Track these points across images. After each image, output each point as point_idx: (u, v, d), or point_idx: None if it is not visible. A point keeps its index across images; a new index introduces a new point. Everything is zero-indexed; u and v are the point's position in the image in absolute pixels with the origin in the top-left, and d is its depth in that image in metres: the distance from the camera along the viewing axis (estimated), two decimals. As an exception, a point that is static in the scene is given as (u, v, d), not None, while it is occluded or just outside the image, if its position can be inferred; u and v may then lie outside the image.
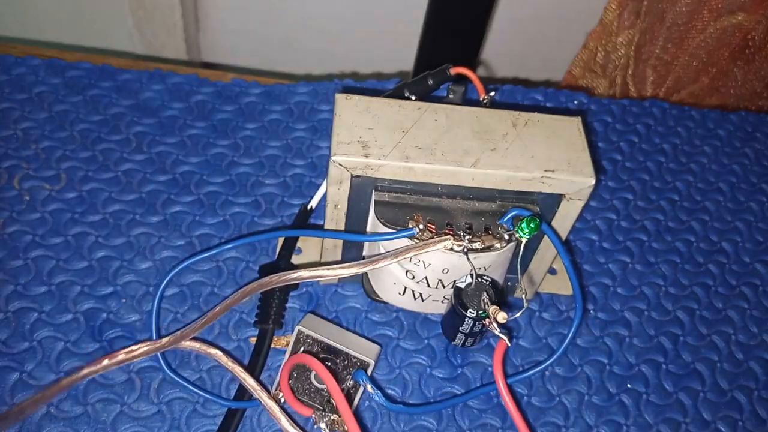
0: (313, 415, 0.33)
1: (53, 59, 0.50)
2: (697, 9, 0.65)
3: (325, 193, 0.36)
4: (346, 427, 0.32)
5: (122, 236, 0.42)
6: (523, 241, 0.33)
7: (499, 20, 0.80)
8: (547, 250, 0.38)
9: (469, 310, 0.34)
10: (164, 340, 0.36)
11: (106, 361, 0.35)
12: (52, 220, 0.42)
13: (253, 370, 0.36)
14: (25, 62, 0.49)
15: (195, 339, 0.37)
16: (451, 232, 0.33)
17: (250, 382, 0.35)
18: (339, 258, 0.40)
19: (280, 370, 0.34)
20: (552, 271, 0.43)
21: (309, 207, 0.43)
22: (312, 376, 0.35)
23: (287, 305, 0.40)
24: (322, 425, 0.33)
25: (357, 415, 0.37)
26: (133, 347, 0.36)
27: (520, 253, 0.34)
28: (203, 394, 0.36)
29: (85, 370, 0.35)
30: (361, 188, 0.35)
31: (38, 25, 0.79)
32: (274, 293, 0.39)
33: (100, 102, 0.48)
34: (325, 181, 0.43)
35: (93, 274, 0.40)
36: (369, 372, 0.35)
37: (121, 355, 0.36)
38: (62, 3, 0.77)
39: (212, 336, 0.39)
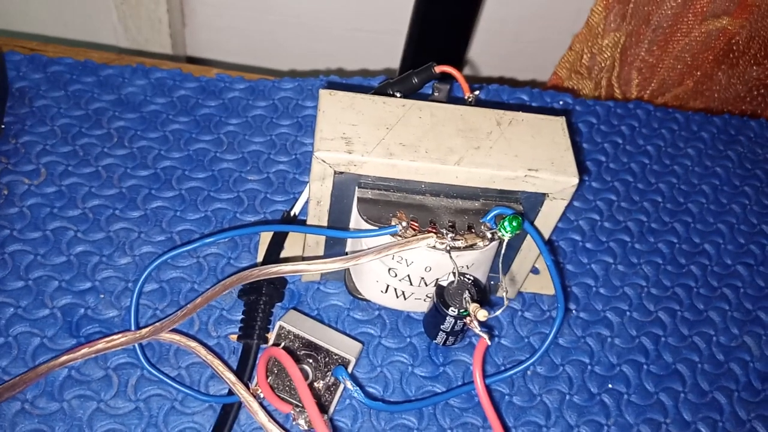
0: (292, 412, 0.32)
1: (35, 54, 0.49)
2: (682, 12, 0.65)
3: (308, 197, 0.35)
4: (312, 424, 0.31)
5: (101, 231, 0.41)
6: (506, 239, 0.33)
7: (485, 20, 0.80)
8: (529, 250, 0.38)
9: (451, 308, 0.33)
10: (144, 330, 0.36)
11: (84, 350, 0.35)
12: (30, 215, 0.41)
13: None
14: (7, 57, 0.49)
15: (175, 331, 0.37)
16: (434, 230, 0.33)
17: (228, 376, 0.34)
18: (321, 255, 0.39)
19: (257, 365, 0.34)
20: (535, 271, 0.43)
21: (293, 214, 0.43)
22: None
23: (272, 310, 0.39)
24: (301, 422, 0.32)
25: (337, 412, 0.37)
26: (113, 336, 0.36)
27: (503, 251, 0.34)
28: (182, 389, 0.36)
29: (64, 357, 0.35)
30: (344, 185, 0.34)
31: (20, 17, 0.78)
32: (259, 305, 0.38)
33: (82, 97, 0.48)
34: (307, 186, 0.43)
35: (71, 270, 0.39)
36: (349, 369, 0.35)
37: (101, 344, 0.35)
38: (45, -5, 0.76)
39: (192, 333, 0.38)
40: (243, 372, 0.36)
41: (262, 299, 0.38)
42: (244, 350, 0.37)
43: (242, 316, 0.38)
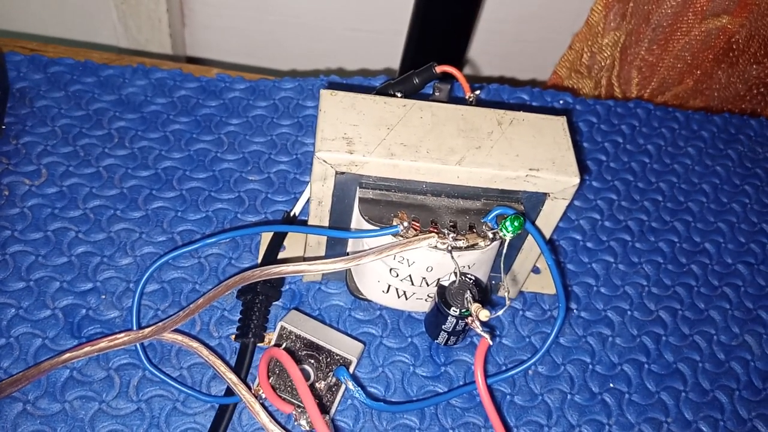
0: (294, 412, 0.32)
1: (35, 55, 0.49)
2: (682, 11, 0.65)
3: (309, 198, 0.35)
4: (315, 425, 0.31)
5: (103, 232, 0.41)
6: (507, 239, 0.33)
7: (485, 20, 0.80)
8: (530, 249, 0.38)
9: (452, 308, 0.33)
10: (146, 330, 0.36)
11: (87, 348, 0.35)
12: (31, 216, 0.41)
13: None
14: (7, 58, 0.49)
15: (177, 332, 0.37)
16: (435, 230, 0.33)
17: (230, 377, 0.34)
18: (323, 256, 0.39)
19: (258, 366, 0.34)
20: (536, 270, 0.43)
21: (293, 214, 0.43)
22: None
23: (269, 308, 0.39)
24: (303, 422, 0.32)
25: (338, 413, 0.37)
26: (116, 335, 0.36)
27: (504, 251, 0.34)
28: (184, 389, 0.36)
29: (66, 355, 0.35)
30: (345, 185, 0.34)
31: (20, 17, 0.78)
32: (255, 304, 0.38)
33: (83, 97, 0.48)
34: (308, 187, 0.43)
35: (72, 270, 0.39)
36: (351, 370, 0.35)
37: (103, 343, 0.35)
38: (45, -5, 0.76)
39: (194, 333, 0.38)
40: (240, 371, 0.36)
41: (258, 298, 0.38)
42: (241, 349, 0.37)
43: (240, 316, 0.38)
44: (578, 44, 0.73)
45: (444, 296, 0.34)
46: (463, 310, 0.33)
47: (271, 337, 0.36)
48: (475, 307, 0.33)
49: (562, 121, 0.37)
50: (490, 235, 0.34)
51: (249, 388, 0.35)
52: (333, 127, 0.34)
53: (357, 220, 0.35)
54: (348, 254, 0.38)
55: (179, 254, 0.39)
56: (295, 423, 0.33)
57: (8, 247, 0.40)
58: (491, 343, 0.33)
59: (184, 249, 0.39)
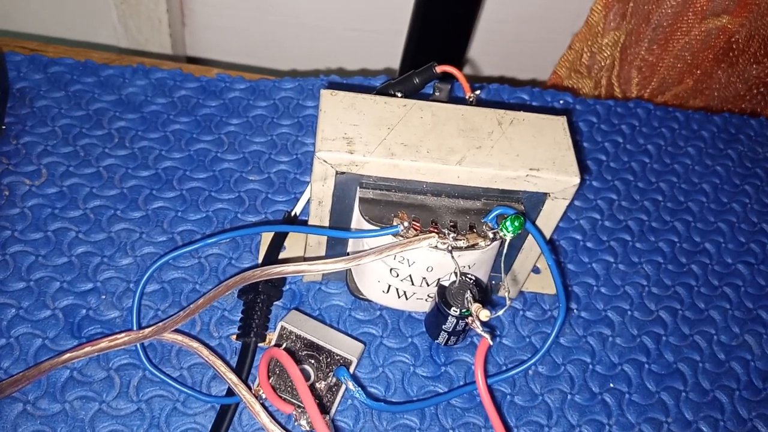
0: (294, 413, 0.32)
1: (35, 55, 0.49)
2: (682, 11, 0.65)
3: (309, 198, 0.35)
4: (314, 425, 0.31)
5: (103, 232, 0.41)
6: (508, 239, 0.33)
7: (486, 20, 0.80)
8: (531, 249, 0.38)
9: (453, 308, 0.33)
10: (146, 330, 0.36)
11: (87, 348, 0.35)
12: (31, 216, 0.41)
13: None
14: (7, 58, 0.49)
15: (177, 332, 0.37)
16: (435, 230, 0.33)
17: (230, 377, 0.34)
18: (323, 256, 0.39)
19: (259, 366, 0.34)
20: (536, 270, 0.43)
21: (294, 214, 0.43)
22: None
23: (270, 308, 0.39)
24: (303, 422, 0.32)
25: (339, 413, 0.37)
26: (116, 335, 0.36)
27: (504, 251, 0.34)
28: (184, 390, 0.36)
29: (67, 355, 0.35)
30: (345, 185, 0.34)
31: (20, 17, 0.78)
32: (257, 303, 0.38)
33: (83, 97, 0.48)
34: (309, 187, 0.43)
35: (73, 270, 0.39)
36: (351, 370, 0.35)
37: (104, 343, 0.35)
38: (45, -5, 0.76)
39: (194, 333, 0.38)
40: (241, 371, 0.36)
41: (259, 298, 0.38)
42: (242, 349, 0.37)
43: (241, 316, 0.38)
44: (578, 44, 0.73)
45: (444, 296, 0.34)
46: (463, 310, 0.33)
47: (272, 337, 0.36)
48: (475, 307, 0.33)
49: (562, 120, 0.37)
50: (491, 235, 0.34)
51: (249, 388, 0.35)
52: (333, 127, 0.34)
53: (357, 220, 0.35)
54: (348, 254, 0.38)
55: (179, 254, 0.39)
56: (296, 423, 0.33)
57: (8, 247, 0.40)
58: (491, 343, 0.33)
59: (185, 249, 0.39)
